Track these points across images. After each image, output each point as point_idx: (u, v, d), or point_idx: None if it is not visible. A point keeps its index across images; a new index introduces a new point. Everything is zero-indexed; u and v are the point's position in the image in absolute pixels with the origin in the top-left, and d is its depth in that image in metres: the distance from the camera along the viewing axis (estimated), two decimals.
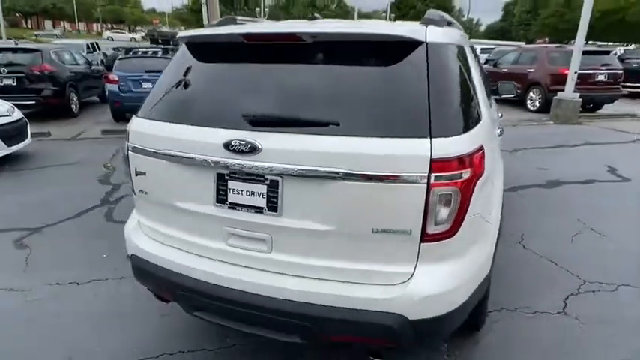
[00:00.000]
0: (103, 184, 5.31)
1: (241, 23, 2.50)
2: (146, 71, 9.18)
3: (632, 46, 19.07)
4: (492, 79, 9.77)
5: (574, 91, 9.99)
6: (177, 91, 2.00)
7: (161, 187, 1.96)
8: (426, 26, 1.80)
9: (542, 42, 32.52)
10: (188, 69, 2.02)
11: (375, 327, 1.65)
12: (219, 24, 2.38)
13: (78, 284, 3.07)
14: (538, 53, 11.93)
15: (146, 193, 2.02)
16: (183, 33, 2.11)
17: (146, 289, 2.25)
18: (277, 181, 1.67)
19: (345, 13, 43.77)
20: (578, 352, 2.39)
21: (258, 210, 1.73)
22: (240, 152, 1.67)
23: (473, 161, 1.63)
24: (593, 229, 3.94)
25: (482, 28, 71.01)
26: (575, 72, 9.83)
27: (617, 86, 11.29)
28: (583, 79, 10.48)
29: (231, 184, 1.76)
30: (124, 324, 2.63)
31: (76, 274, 3.18)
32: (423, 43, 1.69)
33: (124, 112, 9.41)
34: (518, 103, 11.64)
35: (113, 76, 9.15)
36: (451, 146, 1.56)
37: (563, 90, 10.12)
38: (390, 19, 40.59)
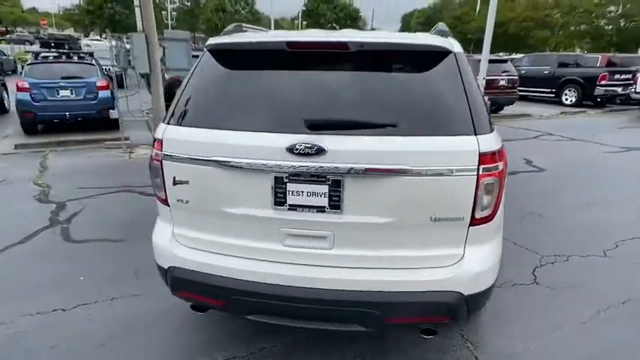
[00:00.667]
0: (44, 203, 4.79)
1: (245, 31, 2.55)
2: (63, 78, 8.37)
3: (517, 55, 21.96)
4: None
5: (483, 95, 11.26)
6: (218, 98, 2.00)
7: (206, 194, 1.94)
8: (447, 37, 2.05)
9: None
10: (226, 75, 2.03)
11: (435, 305, 1.84)
12: (233, 31, 2.39)
13: (64, 310, 2.80)
14: None
15: (186, 201, 1.98)
16: (216, 40, 2.10)
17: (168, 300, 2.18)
18: (340, 180, 1.78)
19: (257, 19, 43.64)
20: (555, 312, 2.83)
21: (320, 209, 1.82)
22: (306, 154, 1.74)
23: (503, 155, 1.90)
24: (533, 211, 4.59)
25: None
26: (484, 78, 11.12)
27: (515, 90, 12.97)
28: (488, 85, 11.85)
29: (290, 186, 1.82)
30: (140, 342, 2.49)
31: (55, 301, 2.88)
32: (452, 52, 1.94)
33: (36, 123, 8.47)
34: None
35: (23, 83, 8.17)
36: (490, 142, 1.82)
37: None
38: (302, 27, 41.42)
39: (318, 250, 1.87)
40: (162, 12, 40.23)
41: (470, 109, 1.82)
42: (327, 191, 1.80)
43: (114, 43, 7.19)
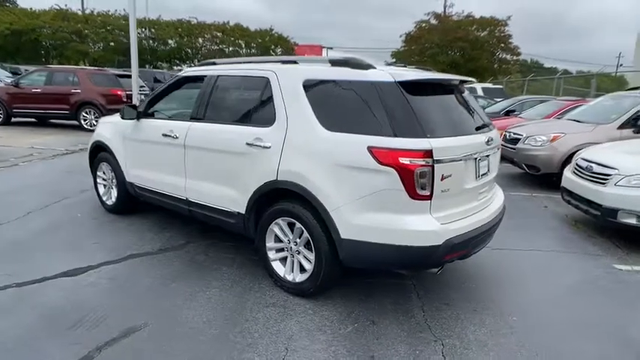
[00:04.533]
0: None
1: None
2: None
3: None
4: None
5: None
6: (438, 115, 2.77)
7: (457, 180, 2.77)
8: None
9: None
10: (421, 100, 2.79)
11: None
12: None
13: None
14: (78, 74, 12.11)
15: (447, 190, 2.70)
16: (421, 75, 2.78)
17: None
18: (489, 155, 3.19)
19: None
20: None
21: (485, 174, 3.15)
22: (488, 143, 3.06)
23: None
24: None
25: None
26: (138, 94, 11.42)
27: None
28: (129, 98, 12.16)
29: (481, 164, 3.04)
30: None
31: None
32: None
33: None
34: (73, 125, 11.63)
35: None
36: None
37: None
38: None
39: (486, 197, 3.20)
40: None
41: None
42: (487, 163, 3.17)
43: None
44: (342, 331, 2.73)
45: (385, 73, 2.81)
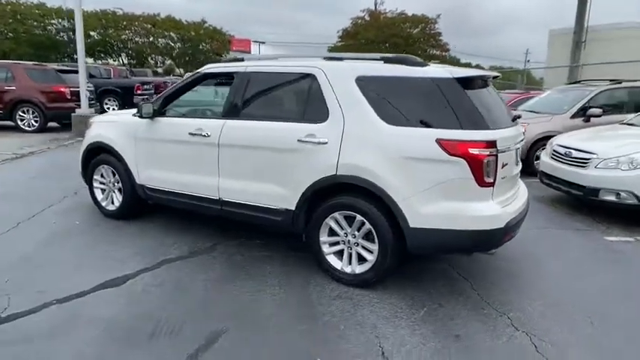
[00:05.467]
0: None
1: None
2: None
3: None
4: None
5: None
6: (488, 108, 3.00)
7: (508, 169, 3.04)
8: None
9: None
10: (472, 94, 2.98)
11: None
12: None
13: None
14: (12, 69, 10.88)
15: (504, 177, 2.96)
16: (471, 72, 2.97)
17: None
18: (518, 146, 3.50)
19: None
20: None
21: (518, 163, 3.44)
22: (521, 134, 3.36)
23: None
24: None
25: None
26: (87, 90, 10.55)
27: None
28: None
29: (517, 153, 3.33)
30: None
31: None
32: None
33: None
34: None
35: None
36: None
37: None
38: None
39: (519, 185, 3.50)
40: None
41: None
42: (515, 153, 3.45)
43: None
44: (416, 316, 2.88)
45: (443, 70, 2.98)
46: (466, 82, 2.95)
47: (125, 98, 16.50)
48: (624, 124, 6.05)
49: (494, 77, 3.58)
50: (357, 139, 3.05)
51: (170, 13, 38.63)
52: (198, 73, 3.98)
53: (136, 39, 38.90)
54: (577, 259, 3.96)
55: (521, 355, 2.50)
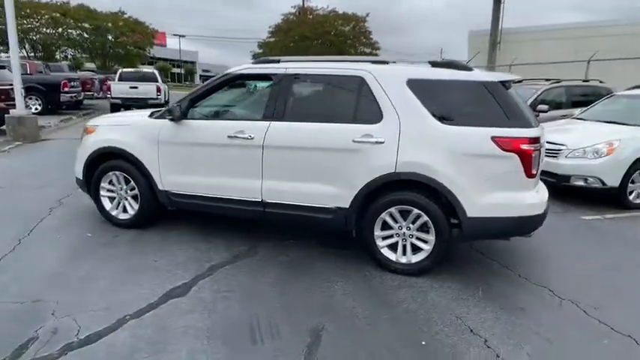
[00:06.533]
0: None
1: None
2: None
3: None
4: None
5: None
6: (524, 109, 3.39)
7: (542, 162, 3.45)
8: None
9: None
10: (515, 96, 3.37)
11: None
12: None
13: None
14: None
15: (541, 170, 3.36)
16: (509, 76, 3.31)
17: None
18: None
19: None
20: None
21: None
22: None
23: None
24: None
25: None
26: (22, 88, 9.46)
27: None
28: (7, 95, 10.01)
29: None
30: None
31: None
32: None
33: None
34: None
35: None
36: None
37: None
38: None
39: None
40: None
41: None
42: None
43: None
44: (476, 297, 3.19)
45: (487, 74, 3.32)
46: (506, 85, 3.32)
47: (49, 97, 15.03)
48: (575, 118, 7.00)
49: (519, 81, 4.02)
50: (414, 138, 3.27)
51: (82, 2, 35.29)
52: (228, 74, 3.91)
53: (43, 29, 34.98)
54: (564, 240, 4.53)
55: (580, 319, 2.93)
